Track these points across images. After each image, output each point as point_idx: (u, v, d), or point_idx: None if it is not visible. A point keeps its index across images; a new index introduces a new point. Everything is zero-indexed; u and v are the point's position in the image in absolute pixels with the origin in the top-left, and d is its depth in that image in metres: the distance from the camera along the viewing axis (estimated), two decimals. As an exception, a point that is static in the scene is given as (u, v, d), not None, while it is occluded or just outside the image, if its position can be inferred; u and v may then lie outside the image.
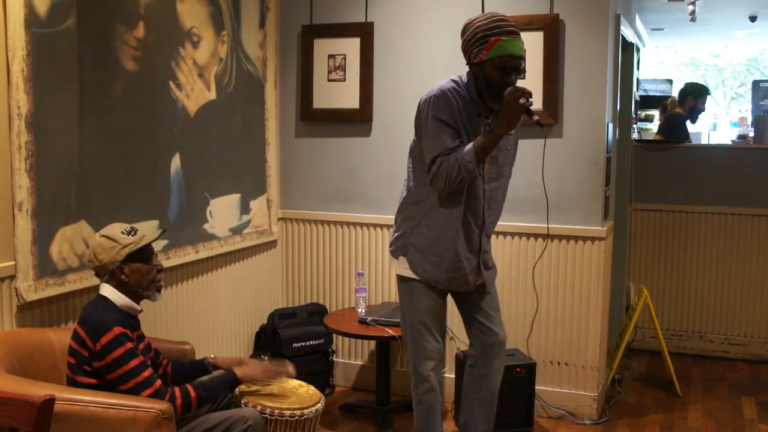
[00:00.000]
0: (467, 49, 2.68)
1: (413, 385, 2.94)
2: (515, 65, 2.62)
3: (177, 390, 2.39)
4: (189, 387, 2.43)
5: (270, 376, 2.67)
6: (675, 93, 8.47)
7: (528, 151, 3.48)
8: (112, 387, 2.34)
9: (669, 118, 5.70)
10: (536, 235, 3.76)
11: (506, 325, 3.84)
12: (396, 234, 2.90)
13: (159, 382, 2.38)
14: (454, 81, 2.73)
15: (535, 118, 2.66)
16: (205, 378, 2.57)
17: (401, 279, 2.90)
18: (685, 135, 5.42)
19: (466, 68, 2.76)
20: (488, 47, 2.59)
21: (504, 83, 2.62)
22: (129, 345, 2.36)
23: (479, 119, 2.74)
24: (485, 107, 2.74)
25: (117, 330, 2.35)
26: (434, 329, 2.87)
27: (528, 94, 2.59)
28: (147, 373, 2.36)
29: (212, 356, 2.79)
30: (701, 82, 14.39)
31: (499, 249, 3.80)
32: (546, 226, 3.61)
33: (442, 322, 2.94)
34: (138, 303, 2.53)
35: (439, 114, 2.66)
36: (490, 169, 2.79)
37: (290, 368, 2.73)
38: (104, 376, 2.35)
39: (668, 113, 5.80)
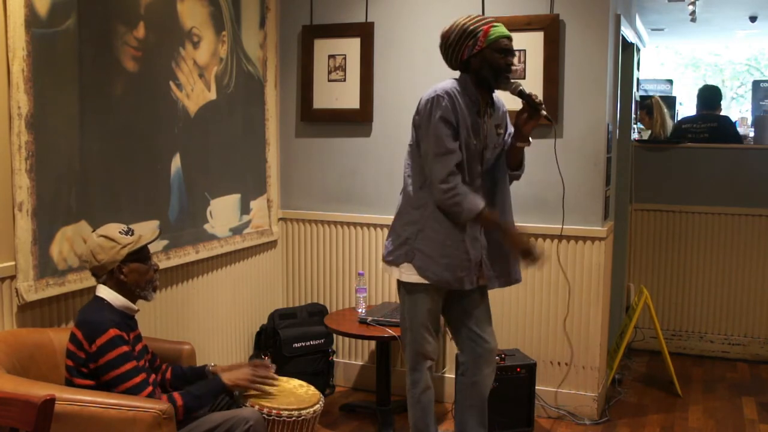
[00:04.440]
0: (457, 48, 2.77)
1: (410, 384, 2.96)
2: (510, 47, 2.76)
3: (164, 398, 2.38)
4: (177, 395, 2.42)
5: (256, 381, 2.62)
6: (675, 93, 8.46)
7: (528, 151, 3.47)
8: (108, 389, 2.33)
9: (723, 120, 5.46)
10: (536, 235, 3.76)
11: (506, 325, 3.87)
12: (396, 242, 2.86)
13: (149, 388, 2.36)
14: (454, 80, 2.81)
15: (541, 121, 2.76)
16: (192, 387, 2.53)
17: (405, 286, 2.88)
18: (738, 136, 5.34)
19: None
20: (484, 35, 2.72)
21: (506, 65, 2.74)
22: (124, 348, 2.35)
23: (478, 117, 2.79)
24: (483, 105, 2.80)
25: (112, 332, 2.34)
26: (433, 329, 2.91)
27: (533, 257, 2.76)
28: (139, 378, 2.35)
29: (213, 364, 2.76)
30: (702, 82, 14.36)
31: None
32: (544, 226, 3.62)
33: (439, 321, 2.97)
34: (134, 303, 2.53)
35: (443, 113, 2.70)
36: (486, 166, 2.84)
37: (272, 371, 2.69)
38: (100, 378, 2.35)
39: (722, 116, 5.56)
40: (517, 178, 2.95)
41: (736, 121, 7.00)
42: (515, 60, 2.84)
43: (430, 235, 2.79)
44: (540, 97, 2.78)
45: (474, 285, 2.85)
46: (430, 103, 2.73)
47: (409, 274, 2.83)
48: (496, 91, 2.84)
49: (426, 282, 2.81)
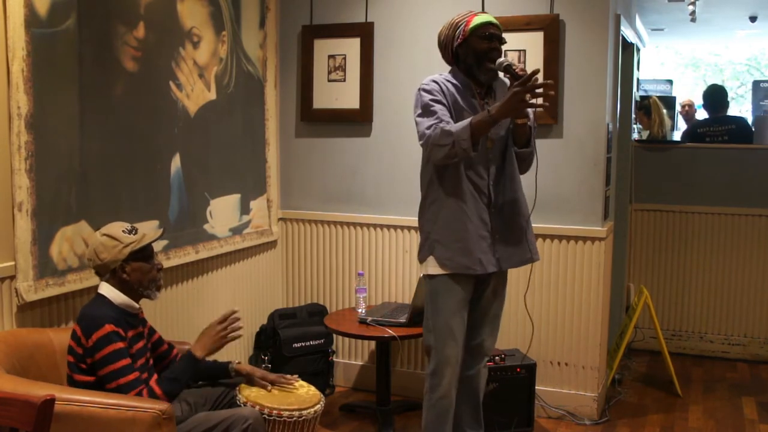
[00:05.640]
0: (448, 43, 2.86)
1: (428, 388, 2.91)
2: (496, 33, 2.80)
3: (144, 392, 2.38)
4: (154, 386, 2.41)
5: (223, 335, 2.57)
6: (675, 93, 8.45)
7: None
8: (101, 384, 2.35)
9: (741, 121, 5.45)
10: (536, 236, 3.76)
11: (506, 325, 3.86)
12: (421, 239, 2.92)
13: (139, 388, 2.36)
14: (446, 73, 2.92)
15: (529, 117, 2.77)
16: (166, 371, 2.53)
17: (428, 278, 2.90)
18: None
19: None
20: (467, 24, 2.80)
21: (491, 49, 2.78)
22: (119, 344, 2.36)
23: (476, 100, 2.84)
24: (478, 89, 2.86)
25: (108, 328, 2.35)
26: (457, 333, 2.86)
27: (537, 95, 2.60)
28: (131, 377, 2.35)
29: (237, 361, 2.77)
30: (702, 82, 14.33)
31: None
32: (545, 226, 3.62)
33: (464, 327, 2.91)
34: (137, 302, 2.54)
35: (430, 93, 2.79)
36: (493, 146, 2.84)
37: (239, 331, 2.63)
38: (96, 373, 2.36)
39: (739, 117, 5.51)
40: (525, 156, 2.90)
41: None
42: (502, 48, 2.83)
43: (442, 224, 2.84)
44: (531, 73, 2.67)
45: (495, 267, 2.85)
46: (418, 90, 2.84)
47: (433, 266, 2.87)
48: (497, 79, 2.87)
49: (446, 273, 2.82)
